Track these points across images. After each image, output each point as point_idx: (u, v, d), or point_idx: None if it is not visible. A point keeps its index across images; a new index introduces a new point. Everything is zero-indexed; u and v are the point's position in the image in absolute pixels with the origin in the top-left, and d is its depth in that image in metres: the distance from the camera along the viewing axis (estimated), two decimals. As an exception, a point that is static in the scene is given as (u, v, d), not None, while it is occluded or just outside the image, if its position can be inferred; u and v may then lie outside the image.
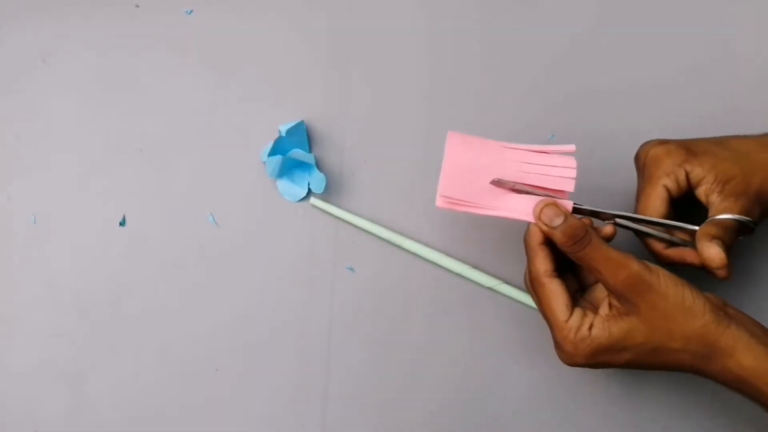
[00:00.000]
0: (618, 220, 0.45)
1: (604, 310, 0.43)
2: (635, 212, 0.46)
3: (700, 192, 0.45)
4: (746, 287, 0.53)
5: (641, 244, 0.47)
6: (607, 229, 0.44)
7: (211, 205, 0.55)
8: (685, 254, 0.45)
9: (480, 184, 0.44)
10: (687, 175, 0.45)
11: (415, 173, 0.55)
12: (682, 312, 0.40)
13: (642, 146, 0.47)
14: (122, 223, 0.55)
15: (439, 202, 0.45)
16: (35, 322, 0.54)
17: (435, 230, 0.54)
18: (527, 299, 0.52)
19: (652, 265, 0.41)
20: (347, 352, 0.54)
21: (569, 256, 0.43)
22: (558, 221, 0.42)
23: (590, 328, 0.42)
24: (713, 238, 0.43)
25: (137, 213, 0.55)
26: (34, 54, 0.56)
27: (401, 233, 0.54)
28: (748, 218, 0.43)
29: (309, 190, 0.54)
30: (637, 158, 0.48)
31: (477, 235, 0.54)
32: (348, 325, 0.54)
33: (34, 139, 0.56)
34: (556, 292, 0.43)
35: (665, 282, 0.41)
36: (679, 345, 0.41)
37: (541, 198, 0.44)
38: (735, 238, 0.44)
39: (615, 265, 0.41)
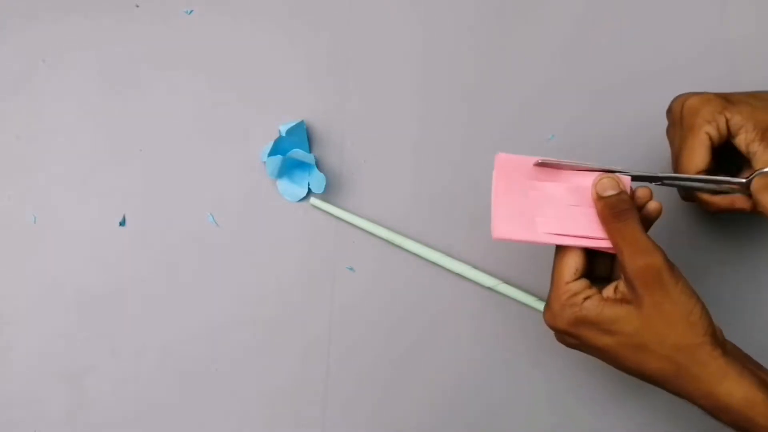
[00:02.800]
0: (666, 182, 0.44)
1: (607, 292, 0.42)
2: (677, 166, 0.45)
3: (740, 141, 0.44)
4: (749, 285, 0.53)
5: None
6: (653, 205, 0.43)
7: (211, 205, 0.55)
8: (735, 200, 0.44)
9: (531, 209, 0.43)
10: (727, 122, 0.44)
11: (415, 173, 0.55)
12: (684, 324, 0.40)
13: (676, 99, 0.46)
14: (122, 223, 0.55)
15: (497, 235, 0.43)
16: (35, 322, 0.54)
17: (435, 230, 0.54)
18: (527, 299, 0.52)
19: (677, 270, 0.41)
20: (347, 352, 0.54)
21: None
22: (609, 192, 0.42)
23: (585, 299, 0.41)
24: None
25: (137, 213, 0.55)
26: (34, 54, 0.56)
27: (401, 233, 0.54)
28: None
29: (309, 190, 0.54)
30: (671, 111, 0.47)
31: (476, 235, 0.54)
32: (348, 325, 0.54)
33: (34, 139, 0.56)
34: (573, 255, 0.42)
35: (681, 289, 0.40)
36: (667, 352, 0.40)
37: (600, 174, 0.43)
38: None
39: (640, 249, 0.40)
